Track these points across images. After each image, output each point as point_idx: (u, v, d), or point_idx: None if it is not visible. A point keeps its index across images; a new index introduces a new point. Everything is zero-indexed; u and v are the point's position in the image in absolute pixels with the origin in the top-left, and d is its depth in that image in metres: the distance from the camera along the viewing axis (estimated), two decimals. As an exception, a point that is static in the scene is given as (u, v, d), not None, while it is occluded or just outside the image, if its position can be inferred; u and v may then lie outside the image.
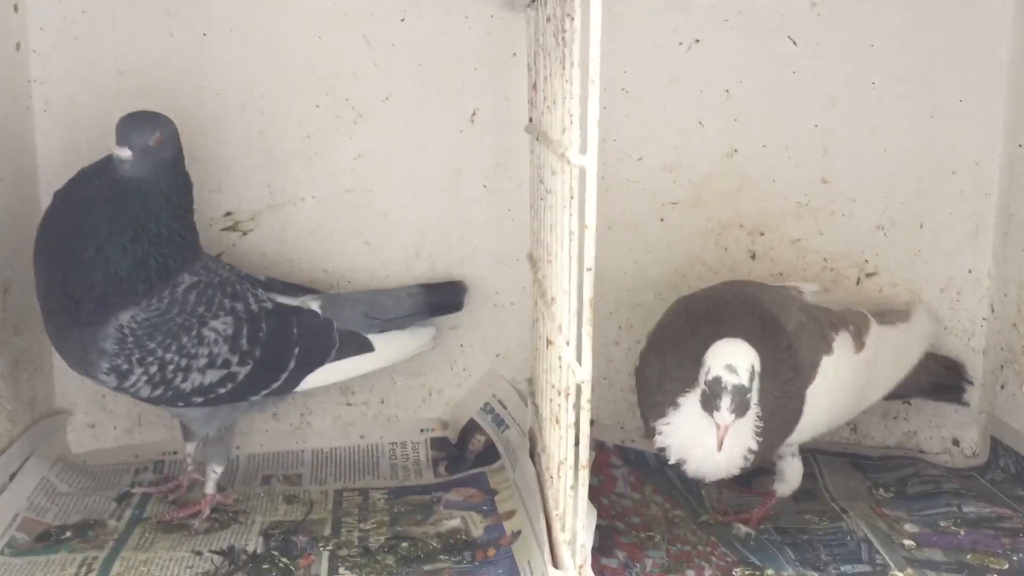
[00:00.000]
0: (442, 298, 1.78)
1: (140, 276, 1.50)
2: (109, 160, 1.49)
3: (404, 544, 1.53)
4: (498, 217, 1.86)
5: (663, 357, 1.54)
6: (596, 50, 1.08)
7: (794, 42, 1.85)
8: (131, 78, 1.76)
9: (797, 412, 1.54)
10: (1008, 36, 1.86)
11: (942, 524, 1.64)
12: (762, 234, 1.91)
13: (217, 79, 1.78)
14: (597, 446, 1.82)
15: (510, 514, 1.59)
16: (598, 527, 1.43)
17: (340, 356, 1.65)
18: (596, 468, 1.76)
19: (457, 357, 1.91)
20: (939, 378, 1.88)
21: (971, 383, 1.92)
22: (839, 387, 1.61)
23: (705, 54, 1.84)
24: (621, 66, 1.83)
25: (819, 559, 1.53)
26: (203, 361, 1.54)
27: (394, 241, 1.86)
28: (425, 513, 1.63)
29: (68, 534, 1.56)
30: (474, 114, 1.84)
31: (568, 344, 1.23)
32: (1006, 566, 1.51)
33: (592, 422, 1.24)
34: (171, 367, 1.53)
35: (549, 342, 1.39)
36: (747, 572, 1.50)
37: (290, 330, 1.61)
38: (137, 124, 1.49)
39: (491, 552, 1.49)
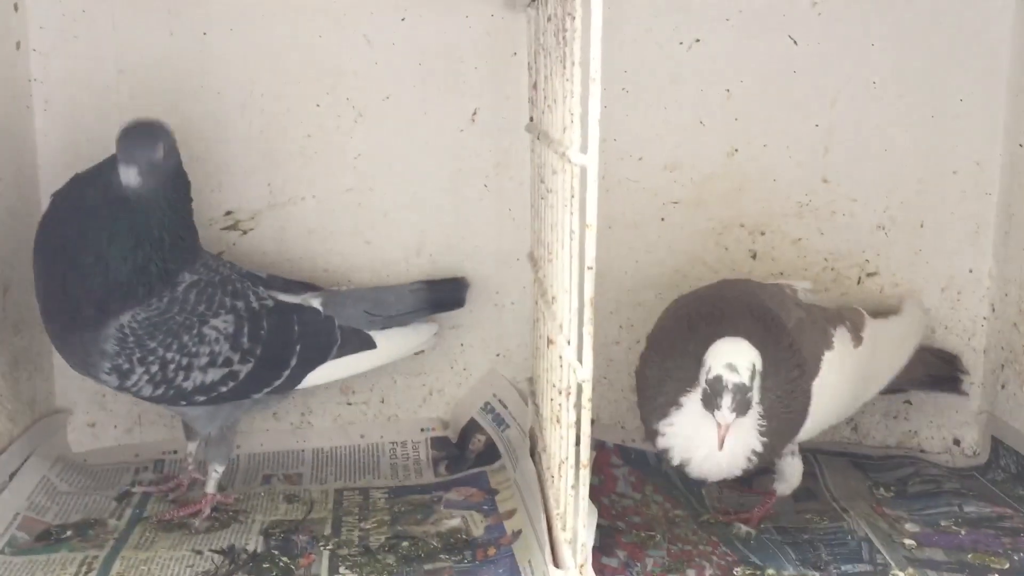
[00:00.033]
0: (444, 294, 1.78)
1: (141, 281, 1.49)
2: (109, 166, 1.47)
3: (404, 543, 1.53)
4: (498, 216, 1.86)
5: (663, 358, 1.54)
6: (597, 49, 1.08)
7: (795, 41, 1.85)
8: (131, 77, 1.76)
9: (803, 410, 1.53)
10: (1009, 36, 1.86)
11: (943, 524, 1.64)
12: (763, 234, 1.91)
13: (217, 78, 1.78)
14: (598, 445, 1.82)
15: (511, 513, 1.59)
16: (599, 526, 1.43)
17: (342, 353, 1.65)
18: (597, 467, 1.76)
19: (457, 356, 1.91)
20: (935, 370, 1.89)
21: (967, 373, 1.92)
22: (841, 382, 1.61)
23: (706, 53, 1.84)
24: (622, 65, 1.83)
25: (820, 558, 1.53)
26: (204, 360, 1.54)
27: (394, 240, 1.86)
28: (425, 512, 1.63)
29: (68, 533, 1.55)
30: (475, 113, 1.84)
31: (569, 343, 1.23)
32: (1007, 565, 1.51)
33: (593, 421, 1.24)
34: (172, 366, 1.52)
35: (550, 341, 1.39)
36: (748, 571, 1.50)
37: (291, 327, 1.61)
38: (141, 140, 1.46)
39: (492, 551, 1.49)
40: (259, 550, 1.51)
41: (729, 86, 1.86)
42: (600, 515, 1.51)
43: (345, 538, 1.55)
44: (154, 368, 1.52)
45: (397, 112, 1.82)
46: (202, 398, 1.56)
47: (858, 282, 1.92)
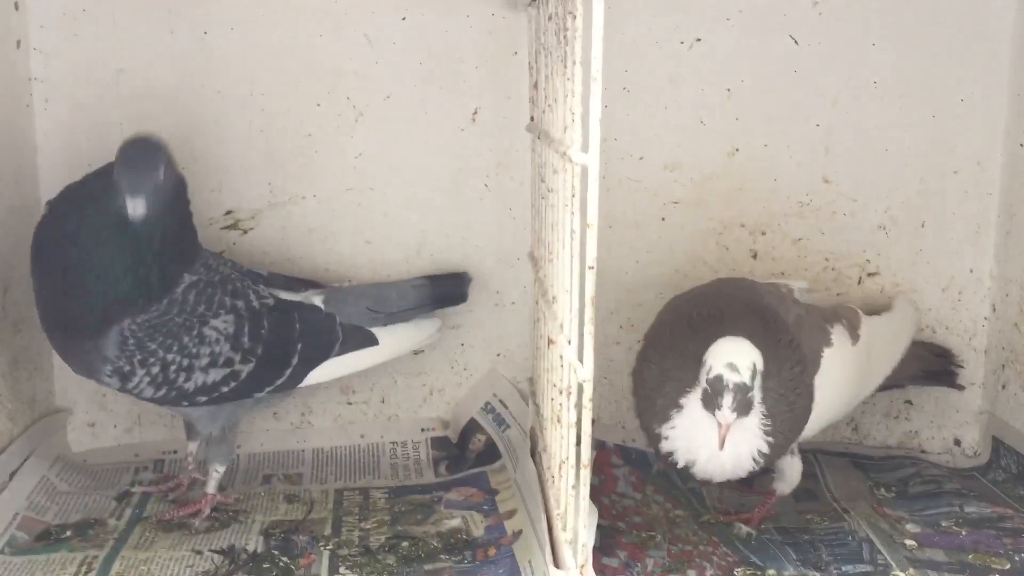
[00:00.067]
0: (446, 289, 1.77)
1: (141, 291, 1.49)
2: (107, 180, 1.45)
3: (405, 543, 1.53)
4: (499, 216, 1.86)
5: (662, 358, 1.53)
6: (598, 48, 1.08)
7: (795, 41, 1.85)
8: (131, 76, 1.76)
9: (807, 406, 1.53)
10: (1009, 36, 1.86)
11: (944, 524, 1.64)
12: (763, 233, 1.91)
13: (218, 77, 1.78)
14: (598, 445, 1.82)
15: (511, 514, 1.58)
16: (599, 527, 1.43)
17: (344, 350, 1.64)
18: (597, 467, 1.76)
19: (458, 356, 1.91)
20: (929, 365, 1.89)
21: (961, 367, 1.92)
22: (842, 378, 1.61)
23: (706, 53, 1.84)
24: (622, 65, 1.83)
25: (820, 559, 1.53)
26: (205, 360, 1.54)
27: (395, 240, 1.86)
28: (426, 512, 1.63)
29: (68, 533, 1.55)
30: (475, 113, 1.84)
31: (570, 343, 1.23)
32: (1008, 566, 1.51)
33: (593, 421, 1.24)
34: (173, 367, 1.52)
35: (550, 341, 1.38)
36: (748, 572, 1.50)
37: (292, 326, 1.60)
38: (144, 167, 1.44)
39: (492, 552, 1.49)
40: (259, 550, 1.51)
41: (730, 86, 1.86)
42: (601, 515, 1.51)
43: (345, 538, 1.55)
44: (155, 370, 1.51)
45: (398, 112, 1.82)
46: (204, 398, 1.56)
47: (859, 282, 1.92)
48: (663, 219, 1.89)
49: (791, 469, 1.64)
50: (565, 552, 1.30)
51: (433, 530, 1.57)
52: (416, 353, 1.86)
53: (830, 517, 1.67)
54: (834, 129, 1.88)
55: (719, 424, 1.42)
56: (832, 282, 1.92)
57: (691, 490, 1.75)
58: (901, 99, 1.87)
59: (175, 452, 1.82)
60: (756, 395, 1.43)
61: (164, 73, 1.76)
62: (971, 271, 1.93)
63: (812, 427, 1.57)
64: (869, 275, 1.92)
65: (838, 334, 1.63)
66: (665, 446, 1.50)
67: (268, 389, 1.60)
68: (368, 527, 1.59)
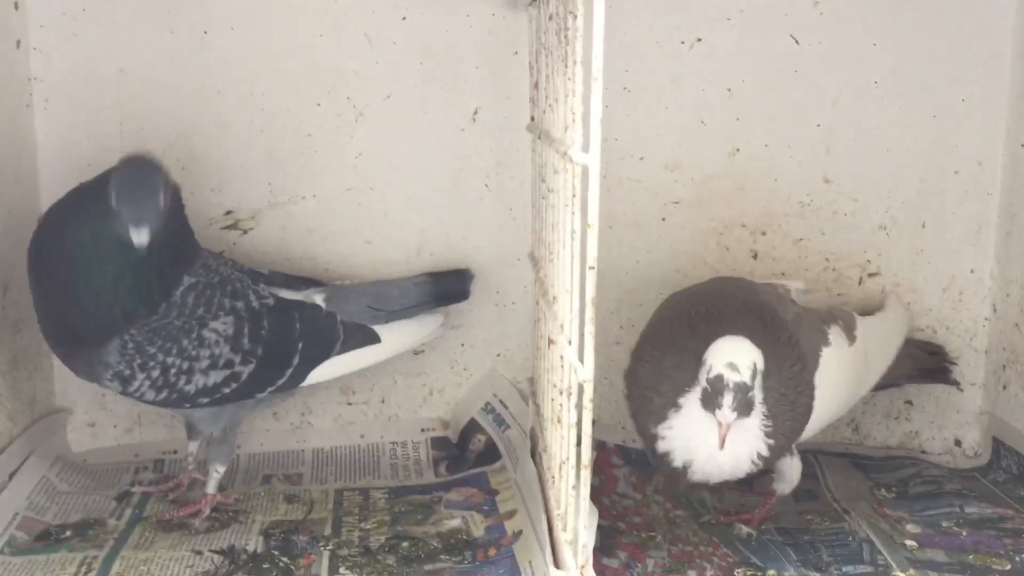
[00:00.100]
0: (449, 286, 1.76)
1: (143, 303, 1.49)
2: (102, 201, 1.43)
3: (405, 544, 1.53)
4: (499, 216, 1.86)
5: (660, 356, 1.52)
6: (599, 48, 1.08)
7: (796, 41, 1.85)
8: (131, 76, 1.76)
9: (809, 405, 1.52)
10: (1010, 36, 1.86)
11: (944, 525, 1.64)
12: (764, 234, 1.91)
13: (218, 77, 1.78)
14: (598, 446, 1.82)
15: (511, 514, 1.58)
16: (599, 527, 1.43)
17: (345, 349, 1.64)
18: (597, 468, 1.76)
19: (458, 356, 1.91)
20: (922, 363, 1.89)
21: (955, 363, 1.92)
22: (840, 379, 1.61)
23: (707, 53, 1.84)
24: (623, 65, 1.82)
25: (821, 560, 1.53)
26: (205, 363, 1.53)
27: (395, 240, 1.86)
28: (426, 513, 1.63)
29: (68, 533, 1.55)
30: (475, 113, 1.83)
31: (570, 343, 1.23)
32: (1008, 567, 1.51)
33: (594, 422, 1.24)
34: (173, 370, 1.52)
35: (551, 341, 1.38)
36: (749, 572, 1.50)
37: (292, 326, 1.60)
38: (145, 194, 1.42)
39: (492, 552, 1.49)
40: (259, 550, 1.51)
41: (730, 85, 1.86)
42: (601, 516, 1.50)
43: (345, 538, 1.55)
44: (155, 373, 1.51)
45: (398, 111, 1.82)
46: (205, 400, 1.56)
47: (859, 282, 1.92)
48: (664, 219, 1.89)
49: (791, 470, 1.63)
50: (565, 552, 1.30)
51: (433, 530, 1.57)
52: (416, 353, 1.86)
53: (830, 518, 1.67)
54: (835, 129, 1.88)
55: (719, 424, 1.41)
56: (833, 282, 1.91)
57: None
58: (902, 99, 1.87)
59: (175, 452, 1.82)
60: (757, 395, 1.43)
61: (164, 73, 1.76)
62: (972, 271, 1.93)
63: (810, 428, 1.57)
64: (870, 275, 1.92)
65: (835, 335, 1.63)
66: (661, 446, 1.49)
67: (270, 389, 1.60)
68: (368, 527, 1.59)
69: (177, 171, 1.75)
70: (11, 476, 1.61)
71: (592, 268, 1.14)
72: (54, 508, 1.62)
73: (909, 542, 1.58)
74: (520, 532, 1.51)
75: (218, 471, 1.62)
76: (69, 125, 1.76)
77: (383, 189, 1.84)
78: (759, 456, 1.47)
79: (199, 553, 1.49)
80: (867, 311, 1.83)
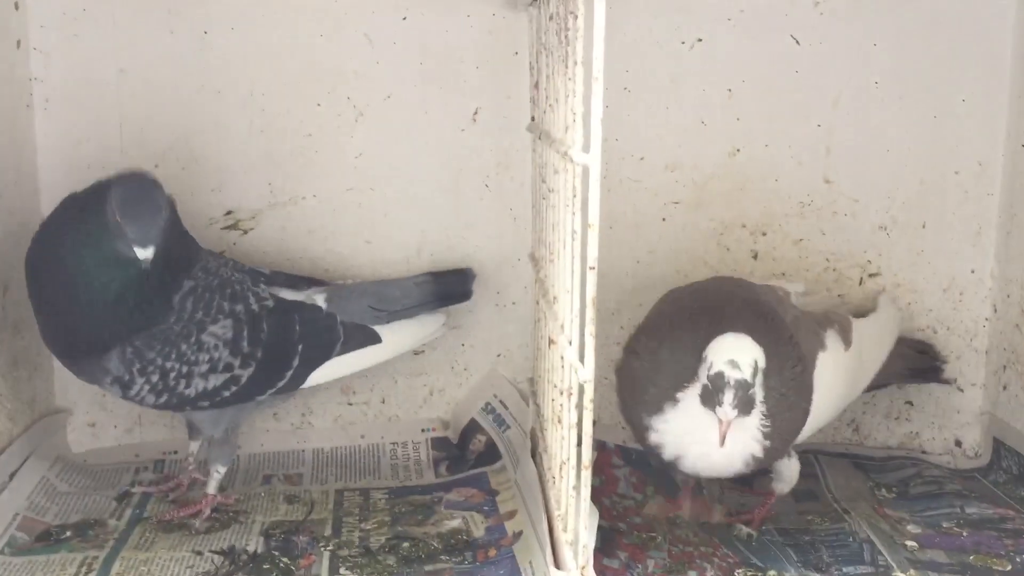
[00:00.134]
0: (450, 286, 1.75)
1: (144, 313, 1.49)
2: (101, 215, 1.43)
3: (405, 544, 1.53)
4: (500, 216, 1.86)
5: (658, 347, 1.51)
6: (600, 48, 1.07)
7: (797, 41, 1.85)
8: (132, 76, 1.76)
9: (806, 408, 1.52)
10: (1011, 36, 1.86)
11: (945, 525, 1.64)
12: (764, 234, 1.90)
13: (218, 77, 1.78)
14: (599, 446, 1.82)
15: (511, 514, 1.58)
16: (600, 527, 1.42)
17: (346, 350, 1.64)
18: (598, 468, 1.75)
19: (458, 357, 1.90)
20: (913, 362, 1.89)
21: (946, 361, 1.92)
22: (835, 383, 1.61)
23: (707, 53, 1.84)
24: (623, 65, 1.82)
25: (821, 560, 1.53)
26: (204, 367, 1.53)
27: (395, 240, 1.86)
28: (426, 513, 1.63)
29: (68, 533, 1.55)
30: (476, 113, 1.83)
31: (571, 344, 1.23)
32: (1009, 567, 1.51)
33: (594, 422, 1.24)
34: (172, 375, 1.52)
35: (551, 342, 1.38)
36: (749, 573, 1.49)
37: (292, 327, 1.60)
38: (148, 214, 1.42)
39: (492, 552, 1.49)
40: (259, 551, 1.51)
41: (731, 86, 1.86)
42: (601, 516, 1.50)
43: (345, 539, 1.55)
44: (155, 378, 1.51)
45: (398, 112, 1.82)
46: (206, 403, 1.56)
47: (860, 283, 1.92)
48: (664, 219, 1.89)
49: (788, 470, 1.63)
50: (566, 553, 1.30)
51: (433, 531, 1.57)
52: (417, 353, 1.86)
53: (831, 518, 1.67)
54: (835, 129, 1.88)
55: (720, 421, 1.41)
56: (833, 283, 1.91)
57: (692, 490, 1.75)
58: (902, 99, 1.87)
59: (175, 452, 1.82)
60: (758, 393, 1.42)
61: (164, 73, 1.76)
62: (972, 271, 1.93)
63: (804, 432, 1.56)
64: (870, 276, 1.92)
65: (831, 339, 1.63)
66: (654, 438, 1.48)
67: (270, 391, 1.60)
68: (368, 528, 1.58)
69: (177, 171, 1.76)
70: (11, 476, 1.61)
71: (592, 268, 1.14)
72: (54, 508, 1.62)
73: (910, 543, 1.58)
74: (520, 533, 1.51)
75: (219, 471, 1.62)
76: (69, 125, 1.76)
77: (383, 189, 1.84)
78: (753, 458, 1.47)
79: (199, 553, 1.49)
80: (861, 312, 1.82)
